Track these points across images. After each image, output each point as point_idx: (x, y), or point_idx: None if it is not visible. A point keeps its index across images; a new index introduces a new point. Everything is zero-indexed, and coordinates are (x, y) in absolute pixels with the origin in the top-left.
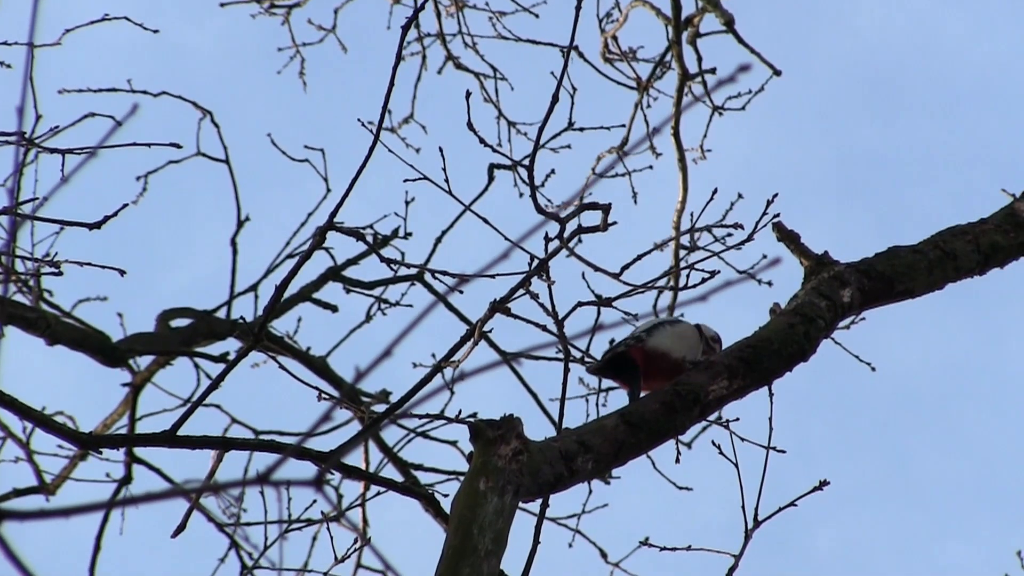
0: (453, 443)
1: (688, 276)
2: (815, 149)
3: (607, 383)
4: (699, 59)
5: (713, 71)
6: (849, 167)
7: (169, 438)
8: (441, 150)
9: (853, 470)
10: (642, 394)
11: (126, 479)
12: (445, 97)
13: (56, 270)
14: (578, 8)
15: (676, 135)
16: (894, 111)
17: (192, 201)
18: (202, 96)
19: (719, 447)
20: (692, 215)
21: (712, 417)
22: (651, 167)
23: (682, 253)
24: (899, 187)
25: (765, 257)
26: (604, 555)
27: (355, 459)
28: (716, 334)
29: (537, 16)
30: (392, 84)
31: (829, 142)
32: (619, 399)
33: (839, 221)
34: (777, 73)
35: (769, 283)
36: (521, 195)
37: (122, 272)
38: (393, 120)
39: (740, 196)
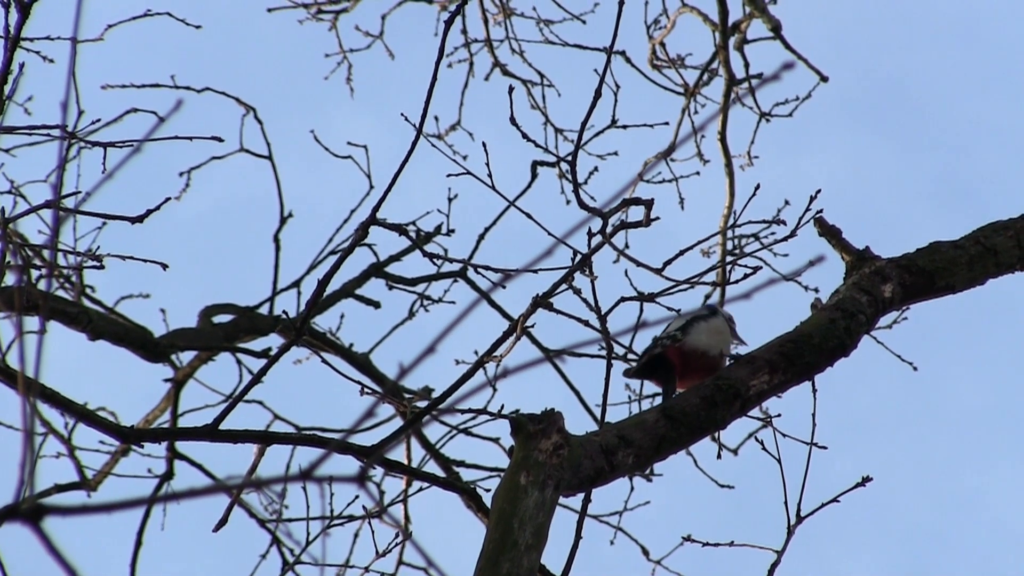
0: (495, 440)
1: (731, 272)
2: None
3: (648, 387)
4: (746, 65)
5: (760, 76)
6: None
7: (211, 432)
8: (484, 145)
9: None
10: (677, 391)
11: (168, 474)
12: (492, 104)
13: (98, 264)
14: (621, 5)
15: (723, 140)
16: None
17: (234, 197)
18: (246, 95)
19: (762, 443)
20: (736, 216)
21: (754, 414)
22: (698, 173)
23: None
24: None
25: (812, 263)
26: (646, 552)
27: (397, 455)
28: (730, 315)
29: (584, 22)
30: (435, 79)
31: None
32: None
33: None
34: (824, 79)
35: (816, 289)
36: (568, 202)
37: (164, 266)
38: (440, 127)
39: (787, 202)
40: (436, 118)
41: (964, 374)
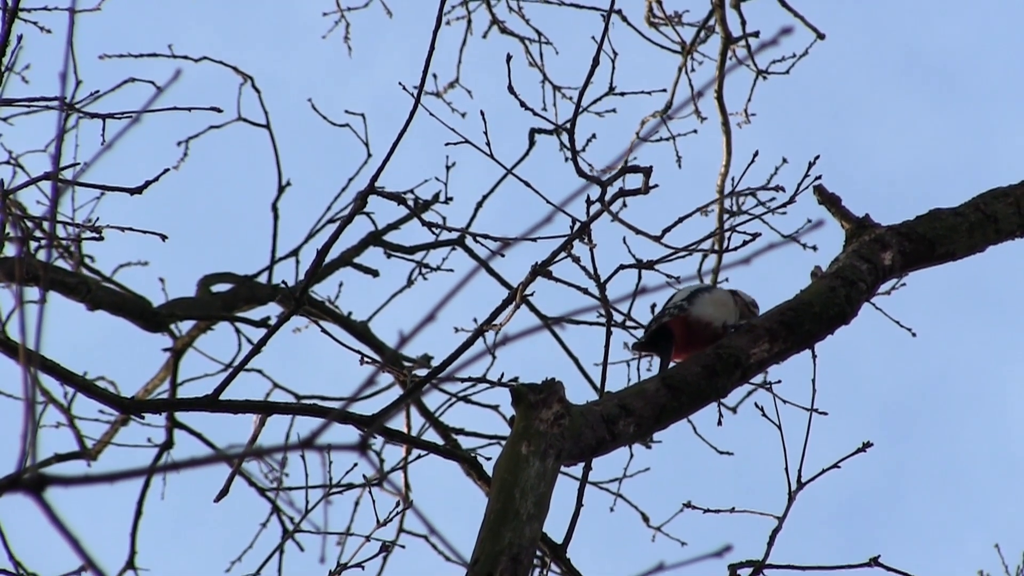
0: (494, 407)
1: (730, 239)
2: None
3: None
4: (743, 23)
5: (756, 35)
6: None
7: (212, 403)
8: (483, 114)
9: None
10: (672, 363)
11: (167, 444)
12: (490, 61)
13: (98, 235)
14: None
15: (720, 99)
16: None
17: (233, 166)
18: (243, 62)
19: (762, 409)
20: (734, 180)
21: (756, 380)
22: (695, 131)
23: (725, 217)
24: None
25: (810, 221)
26: (646, 519)
27: (396, 423)
28: (753, 299)
29: None
30: (432, 48)
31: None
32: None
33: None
34: (821, 37)
35: (815, 247)
36: (567, 159)
37: (164, 237)
38: (438, 84)
39: (785, 160)
40: (435, 76)
41: (963, 337)
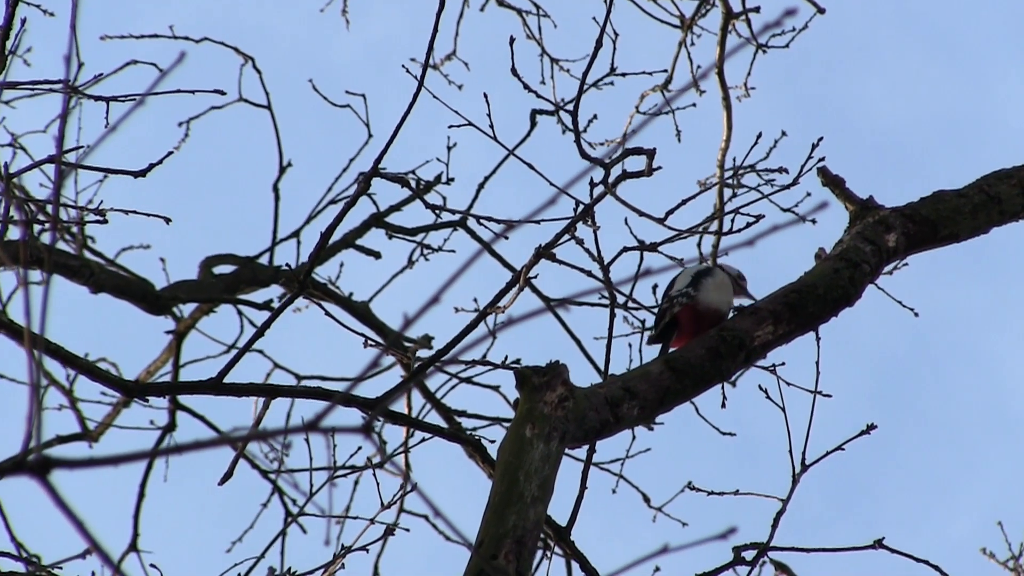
0: (496, 388)
1: (733, 220)
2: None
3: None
4: None
5: (757, 9)
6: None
7: (215, 386)
8: (486, 96)
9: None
10: (671, 349)
11: (170, 426)
12: (488, 34)
13: (102, 218)
14: None
15: (720, 73)
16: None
17: (234, 147)
18: (242, 42)
19: (766, 391)
20: (735, 157)
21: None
22: (695, 105)
23: (727, 194)
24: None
25: (809, 195)
26: (647, 500)
27: (398, 405)
28: (739, 271)
29: None
30: (436, 30)
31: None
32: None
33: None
34: (821, 11)
35: (813, 221)
36: (565, 132)
37: (167, 220)
38: (435, 57)
39: (784, 134)
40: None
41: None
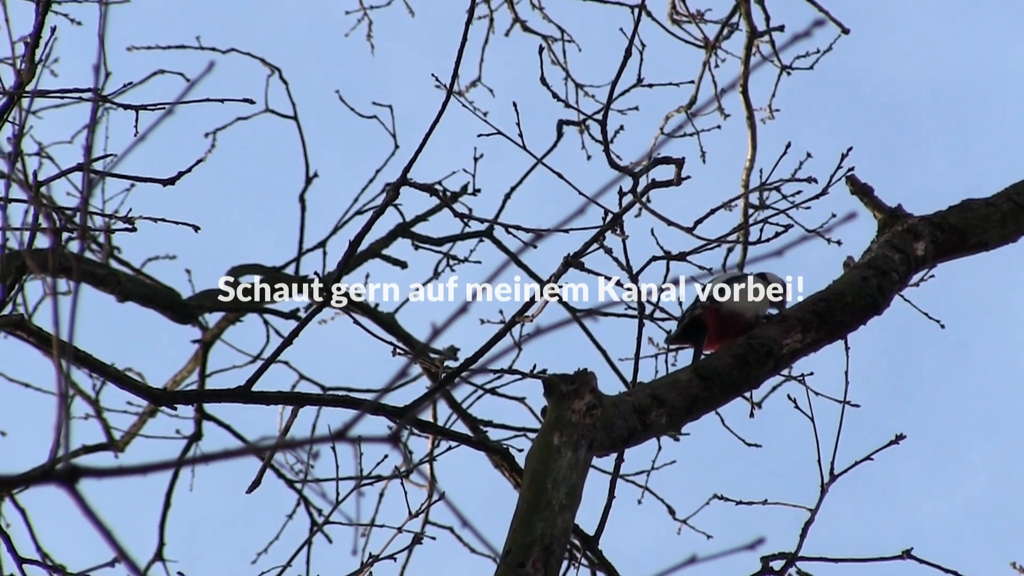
0: (521, 399)
1: (762, 231)
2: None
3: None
4: (767, 18)
5: (781, 29)
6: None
7: (244, 394)
8: (515, 104)
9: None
10: (705, 353)
11: (196, 435)
12: (512, 61)
13: (130, 226)
14: None
15: (744, 94)
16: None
17: (260, 158)
18: (270, 55)
19: (795, 401)
20: (761, 172)
21: (786, 372)
22: (719, 127)
23: (751, 212)
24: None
25: (834, 216)
26: (672, 512)
27: (424, 415)
28: (781, 279)
29: None
30: (465, 40)
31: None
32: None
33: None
34: (846, 31)
35: (839, 242)
36: (589, 158)
37: (196, 228)
38: (460, 84)
39: (809, 155)
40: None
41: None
